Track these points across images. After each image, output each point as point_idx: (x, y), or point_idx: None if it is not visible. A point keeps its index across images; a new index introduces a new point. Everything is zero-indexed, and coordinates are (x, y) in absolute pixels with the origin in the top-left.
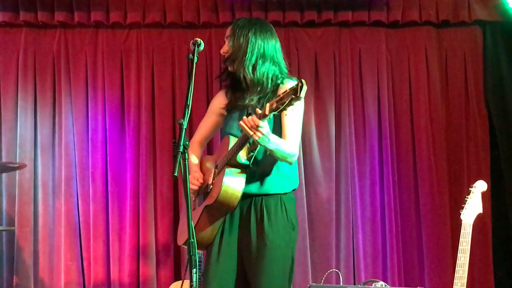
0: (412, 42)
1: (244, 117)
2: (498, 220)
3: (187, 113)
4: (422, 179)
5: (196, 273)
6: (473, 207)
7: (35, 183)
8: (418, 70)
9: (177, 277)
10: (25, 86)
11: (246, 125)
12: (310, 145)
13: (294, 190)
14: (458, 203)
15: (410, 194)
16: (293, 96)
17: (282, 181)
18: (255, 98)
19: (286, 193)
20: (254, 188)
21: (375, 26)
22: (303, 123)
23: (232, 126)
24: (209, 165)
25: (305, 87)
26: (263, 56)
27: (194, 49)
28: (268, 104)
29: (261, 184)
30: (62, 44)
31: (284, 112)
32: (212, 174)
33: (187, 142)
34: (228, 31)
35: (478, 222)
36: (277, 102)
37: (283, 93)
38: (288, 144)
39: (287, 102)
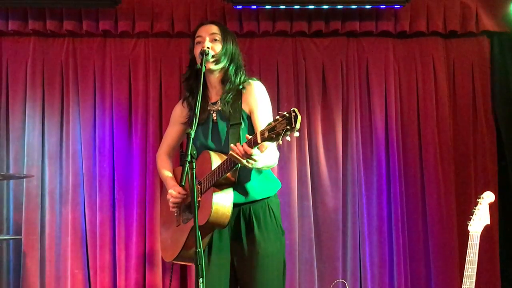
0: (420, 52)
1: (233, 146)
2: (506, 231)
3: (195, 123)
4: (429, 189)
5: (202, 282)
6: (480, 218)
7: (42, 191)
8: (426, 80)
9: (183, 286)
10: (33, 95)
11: (238, 154)
12: (317, 155)
13: (278, 191)
14: (465, 213)
15: (417, 204)
16: (287, 127)
17: (266, 184)
18: (222, 103)
19: (271, 196)
20: (241, 198)
21: (382, 36)
22: (310, 133)
23: (199, 137)
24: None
25: (299, 117)
26: (241, 66)
27: (202, 59)
28: (259, 132)
29: (246, 192)
30: (70, 53)
31: (255, 114)
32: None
33: (194, 152)
34: (215, 30)
35: (486, 233)
36: (269, 131)
37: (274, 121)
38: (271, 153)
39: (282, 133)
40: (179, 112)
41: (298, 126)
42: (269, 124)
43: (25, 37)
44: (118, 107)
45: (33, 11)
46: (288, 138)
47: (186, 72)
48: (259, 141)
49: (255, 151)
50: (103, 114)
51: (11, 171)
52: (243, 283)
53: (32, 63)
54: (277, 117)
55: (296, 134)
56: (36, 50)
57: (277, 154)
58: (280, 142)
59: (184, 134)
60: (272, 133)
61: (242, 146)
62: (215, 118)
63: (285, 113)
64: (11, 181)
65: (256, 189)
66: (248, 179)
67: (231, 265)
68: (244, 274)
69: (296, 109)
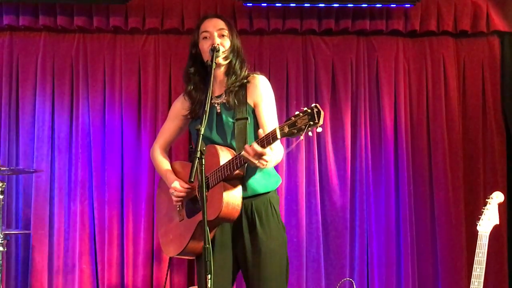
0: (430, 52)
1: (247, 147)
2: None
3: (205, 119)
4: (437, 189)
5: (211, 278)
6: (489, 218)
7: (51, 186)
8: (436, 80)
9: (191, 282)
10: (43, 90)
11: (250, 154)
12: (325, 154)
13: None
14: (474, 213)
15: (425, 204)
16: (310, 122)
17: (268, 178)
18: (226, 94)
19: (272, 191)
20: (244, 192)
21: (392, 35)
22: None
23: (205, 129)
24: (183, 170)
25: (322, 112)
26: (244, 60)
27: (213, 55)
28: (278, 128)
29: (250, 186)
30: (81, 48)
31: (260, 107)
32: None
33: (204, 148)
34: (222, 25)
35: (494, 233)
36: (289, 126)
37: (295, 116)
38: (278, 149)
39: (305, 128)
40: (179, 106)
41: (321, 121)
42: (289, 119)
43: (36, 33)
44: (128, 104)
45: (44, 7)
46: (310, 133)
47: (191, 67)
48: (278, 136)
49: (267, 151)
50: (113, 110)
51: (21, 166)
52: (247, 278)
53: (43, 58)
54: (298, 112)
55: (319, 129)
56: (46, 46)
57: (282, 149)
58: (302, 137)
59: (181, 130)
60: (293, 128)
61: (253, 147)
62: (219, 110)
63: (305, 108)
64: (21, 176)
65: (259, 183)
66: (253, 173)
67: (233, 259)
68: (247, 270)
69: (318, 105)
